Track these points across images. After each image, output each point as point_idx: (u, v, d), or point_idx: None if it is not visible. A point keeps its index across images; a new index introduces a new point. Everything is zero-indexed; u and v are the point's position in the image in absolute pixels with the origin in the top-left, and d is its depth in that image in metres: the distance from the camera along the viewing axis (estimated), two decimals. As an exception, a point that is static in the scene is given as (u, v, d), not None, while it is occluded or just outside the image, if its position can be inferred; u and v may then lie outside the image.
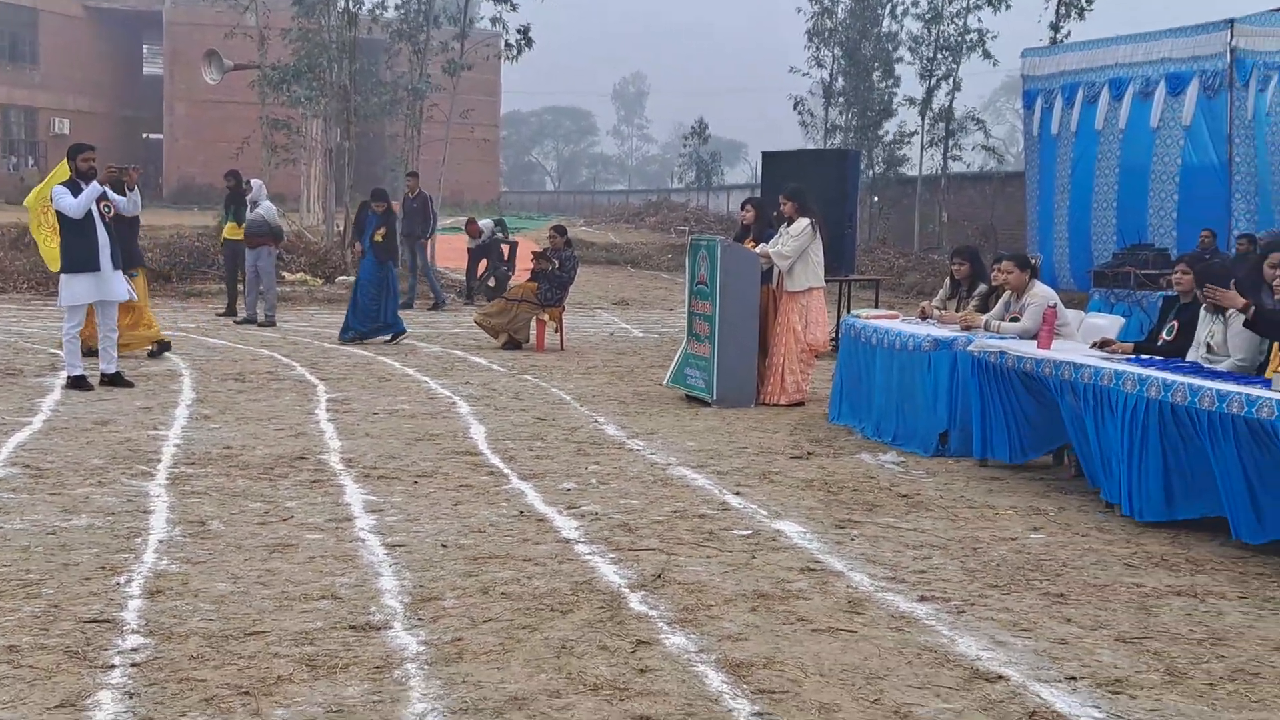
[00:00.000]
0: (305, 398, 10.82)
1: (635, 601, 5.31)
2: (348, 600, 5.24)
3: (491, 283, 21.12)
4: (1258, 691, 4.43)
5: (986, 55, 29.11)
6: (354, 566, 5.75)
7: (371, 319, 15.17)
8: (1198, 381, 6.60)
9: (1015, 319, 8.84)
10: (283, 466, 7.93)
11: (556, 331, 15.03)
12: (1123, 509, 7.03)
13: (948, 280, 10.27)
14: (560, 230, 15.54)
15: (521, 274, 17.72)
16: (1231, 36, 14.18)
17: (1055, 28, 26.83)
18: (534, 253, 15.80)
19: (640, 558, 6.00)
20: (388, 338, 15.19)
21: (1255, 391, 6.19)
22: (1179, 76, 14.94)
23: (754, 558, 6.06)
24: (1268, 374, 6.48)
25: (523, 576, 5.64)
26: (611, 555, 6.04)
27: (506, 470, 7.99)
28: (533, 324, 14.92)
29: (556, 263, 14.86)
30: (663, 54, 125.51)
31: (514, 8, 24.63)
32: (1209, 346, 7.34)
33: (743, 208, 11.89)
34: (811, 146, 32.11)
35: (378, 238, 15.18)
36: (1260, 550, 6.30)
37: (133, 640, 4.65)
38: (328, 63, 24.68)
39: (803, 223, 10.79)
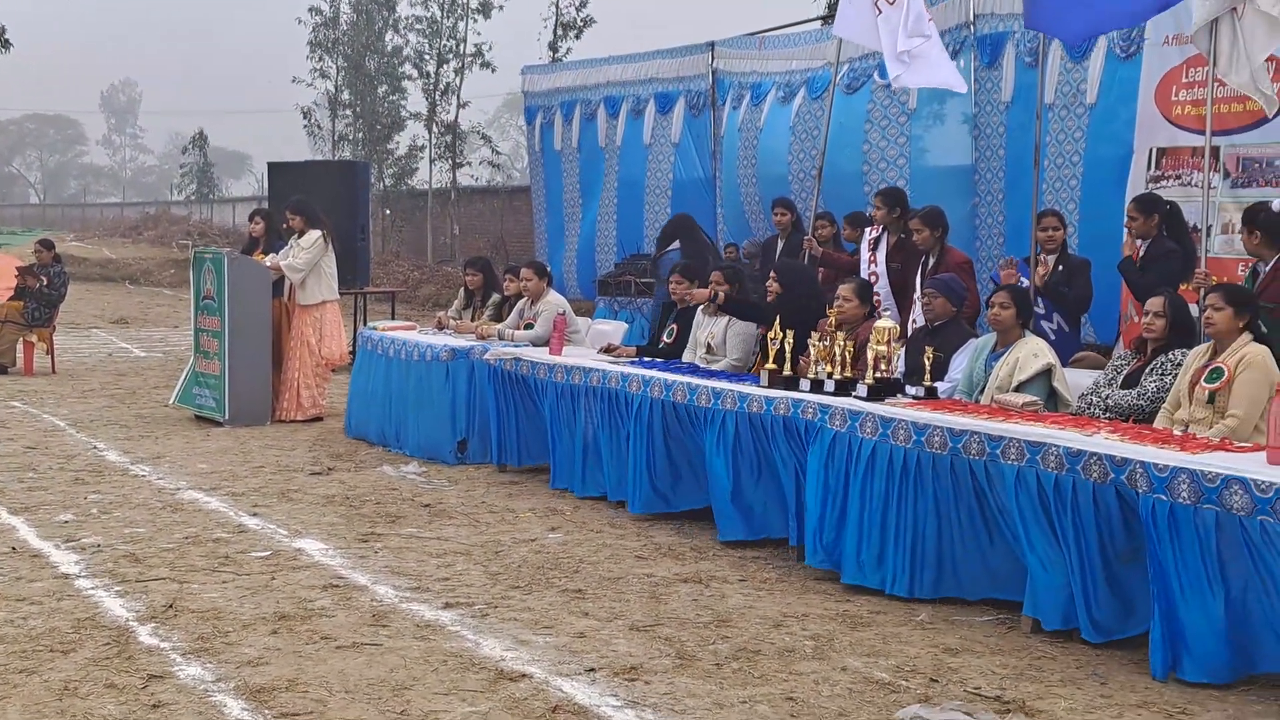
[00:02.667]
0: None
1: (145, 635, 5.00)
2: None
3: None
4: (759, 668, 4.78)
5: (485, 65, 29.77)
6: None
7: None
8: (696, 380, 7.06)
9: (530, 326, 9.09)
10: None
11: (47, 353, 13.91)
12: (631, 507, 7.39)
13: (462, 291, 10.42)
14: (47, 244, 14.38)
15: (4, 292, 16.24)
16: (713, 59, 15.30)
17: (554, 47, 27.83)
18: (18, 268, 14.51)
19: (150, 588, 5.66)
20: None
21: (745, 389, 6.70)
22: (667, 96, 15.92)
23: (274, 579, 5.87)
24: (756, 370, 7.02)
25: (17, 617, 5.18)
26: (117, 588, 5.67)
27: (-7, 505, 7.32)
28: (19, 346, 13.73)
29: (44, 280, 13.76)
30: (159, 61, 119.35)
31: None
32: (709, 346, 7.86)
33: (251, 219, 11.52)
34: (320, 158, 31.58)
35: None
36: (751, 535, 6.79)
37: None
38: None
39: (314, 235, 10.59)
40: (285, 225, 10.89)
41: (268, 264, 10.59)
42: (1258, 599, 4.48)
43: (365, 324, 12.43)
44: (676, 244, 11.22)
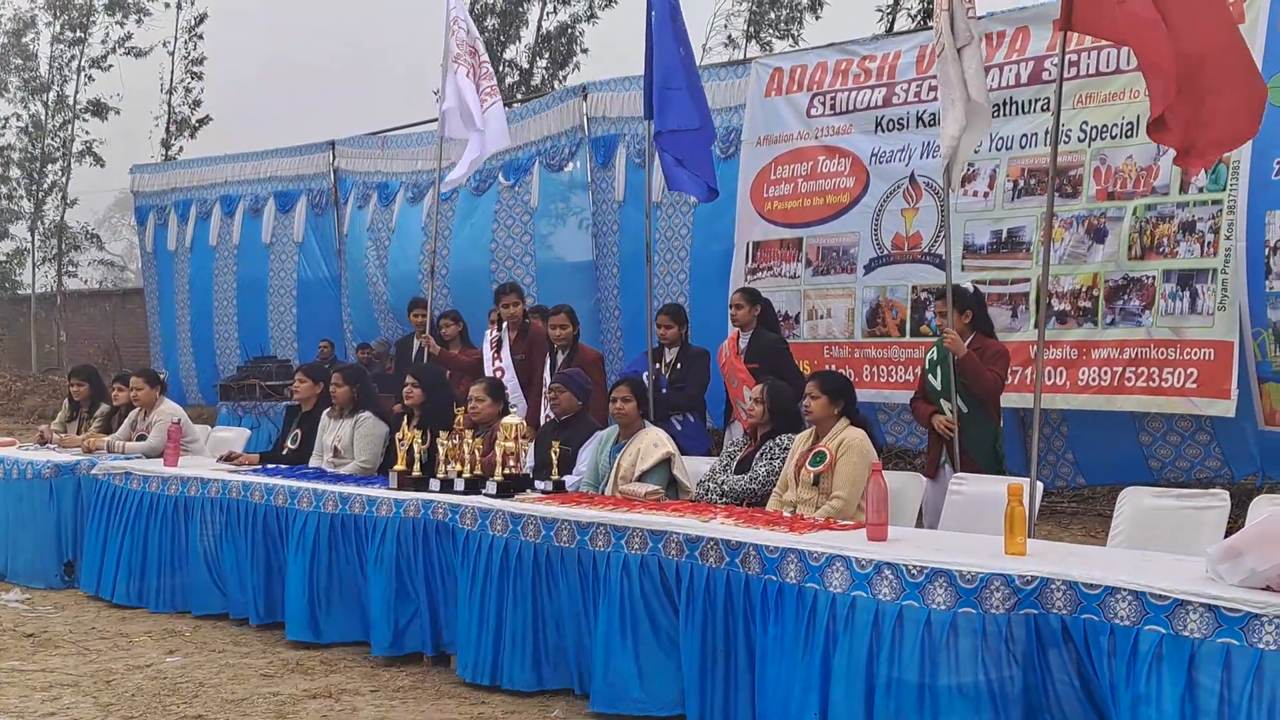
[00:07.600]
0: None
1: None
2: None
3: None
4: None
5: (97, 161, 28.34)
6: None
7: None
8: (322, 486, 6.87)
9: (142, 437, 8.63)
10: None
11: None
12: (251, 620, 7.09)
13: (66, 402, 9.78)
14: None
15: None
16: (334, 157, 15.21)
17: (167, 145, 26.87)
18: None
19: None
20: None
21: (373, 492, 6.58)
22: (288, 195, 15.69)
23: None
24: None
25: None
26: None
27: None
28: None
29: None
30: None
31: None
32: (335, 450, 7.68)
33: None
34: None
35: None
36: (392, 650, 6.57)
37: None
38: None
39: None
40: None
41: None
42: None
43: (-42, 441, 11.43)
44: None
